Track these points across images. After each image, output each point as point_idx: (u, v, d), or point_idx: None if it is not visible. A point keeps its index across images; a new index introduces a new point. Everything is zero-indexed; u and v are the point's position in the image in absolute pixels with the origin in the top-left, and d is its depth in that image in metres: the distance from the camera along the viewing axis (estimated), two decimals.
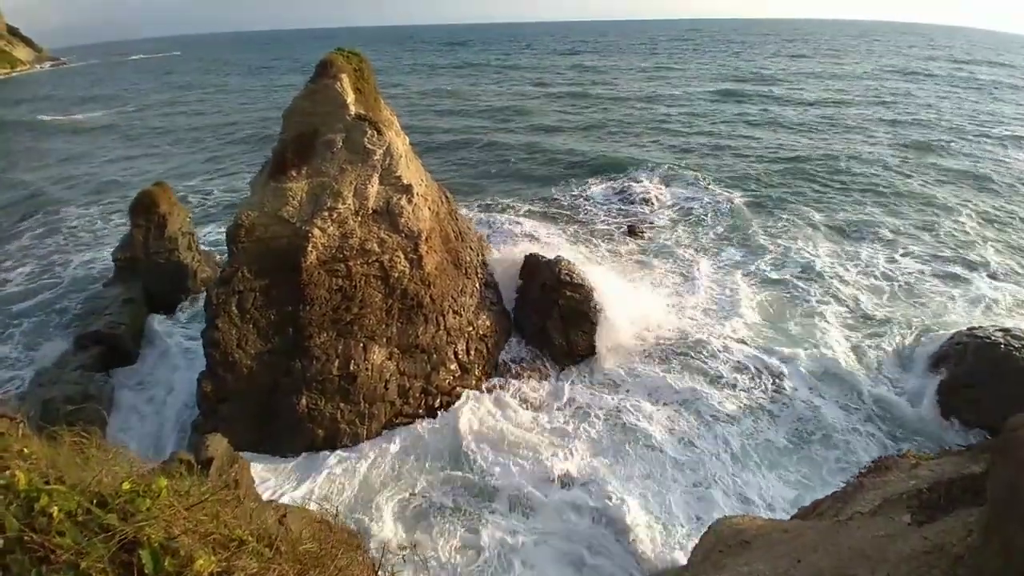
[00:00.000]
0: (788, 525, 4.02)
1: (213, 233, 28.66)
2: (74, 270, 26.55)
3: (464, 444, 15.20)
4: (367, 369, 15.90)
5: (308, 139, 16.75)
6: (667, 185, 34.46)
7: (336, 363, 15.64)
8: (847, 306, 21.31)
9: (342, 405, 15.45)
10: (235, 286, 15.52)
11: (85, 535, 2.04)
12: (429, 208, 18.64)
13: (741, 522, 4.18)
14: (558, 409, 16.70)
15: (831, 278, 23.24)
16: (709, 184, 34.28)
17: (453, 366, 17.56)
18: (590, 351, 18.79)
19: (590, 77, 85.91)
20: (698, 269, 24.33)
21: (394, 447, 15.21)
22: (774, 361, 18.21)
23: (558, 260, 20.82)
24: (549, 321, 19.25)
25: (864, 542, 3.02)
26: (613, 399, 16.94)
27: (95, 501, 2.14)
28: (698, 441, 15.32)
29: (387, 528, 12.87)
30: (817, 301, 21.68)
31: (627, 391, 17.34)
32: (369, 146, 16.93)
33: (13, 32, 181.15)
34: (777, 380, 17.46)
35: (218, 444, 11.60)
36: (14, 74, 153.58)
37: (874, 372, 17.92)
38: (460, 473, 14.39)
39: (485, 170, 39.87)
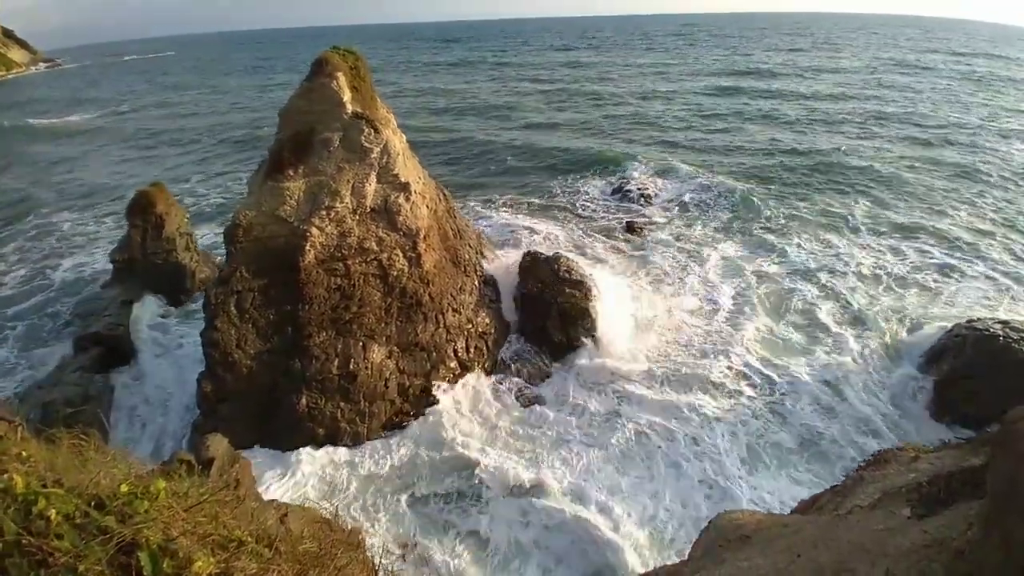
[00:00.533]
0: (788, 520, 4.02)
1: (210, 235, 28.58)
2: (65, 273, 26.47)
3: (457, 442, 15.14)
4: (367, 368, 15.90)
5: (305, 138, 16.70)
6: (665, 181, 34.44)
7: (336, 362, 15.64)
8: (845, 301, 21.31)
9: (342, 404, 15.45)
10: (233, 286, 15.49)
11: (83, 538, 2.03)
12: (427, 206, 18.61)
13: (741, 517, 4.19)
14: (556, 408, 16.64)
15: (830, 273, 23.26)
16: (707, 180, 34.22)
17: (453, 364, 17.57)
18: (590, 349, 18.75)
19: (586, 73, 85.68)
20: (697, 266, 24.32)
21: (392, 444, 15.21)
22: (776, 360, 18.16)
23: (557, 257, 20.81)
24: (548, 319, 19.24)
25: (864, 536, 3.02)
26: (612, 398, 16.90)
27: (93, 504, 2.13)
28: (702, 441, 15.16)
29: (386, 526, 12.87)
30: (816, 297, 21.68)
31: (626, 390, 17.20)
32: (366, 144, 16.89)
33: (8, 35, 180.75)
34: (778, 379, 17.36)
35: (218, 444, 11.61)
36: (9, 76, 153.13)
37: (876, 367, 17.91)
38: (455, 472, 14.33)
39: (482, 168, 39.82)
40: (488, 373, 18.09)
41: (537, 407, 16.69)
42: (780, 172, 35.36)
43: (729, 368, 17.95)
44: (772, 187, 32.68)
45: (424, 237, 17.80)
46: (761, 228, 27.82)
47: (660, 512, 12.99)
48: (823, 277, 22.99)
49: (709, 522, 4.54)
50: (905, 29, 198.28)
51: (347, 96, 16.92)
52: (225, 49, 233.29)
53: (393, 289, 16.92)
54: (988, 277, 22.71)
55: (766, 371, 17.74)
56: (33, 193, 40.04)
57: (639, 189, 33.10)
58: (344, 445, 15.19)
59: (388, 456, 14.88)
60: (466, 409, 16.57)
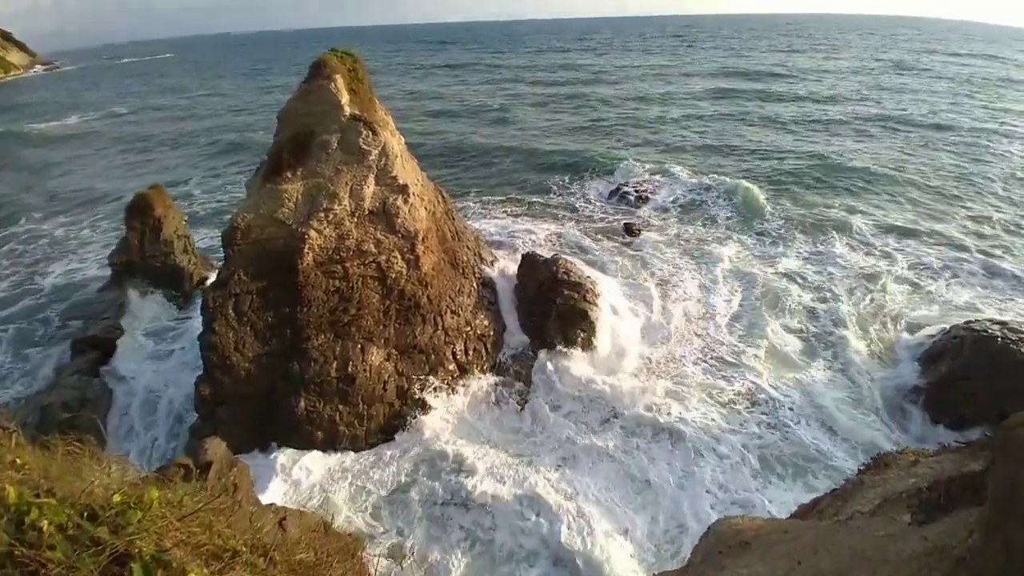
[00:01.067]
0: (788, 525, 4.00)
1: (208, 238, 28.52)
2: (57, 277, 26.37)
3: (453, 447, 15.06)
4: (365, 370, 15.87)
5: (303, 140, 16.70)
6: (662, 183, 34.42)
7: (334, 365, 15.60)
8: (843, 303, 21.27)
9: (340, 407, 15.42)
10: (231, 289, 15.46)
11: (76, 549, 2.01)
12: (425, 208, 18.60)
13: (740, 523, 4.17)
14: (555, 412, 16.45)
15: (828, 275, 23.25)
16: (704, 182, 34.23)
17: (452, 366, 17.53)
18: (590, 352, 18.68)
19: (583, 76, 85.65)
20: (694, 269, 24.29)
21: (389, 448, 15.17)
22: (775, 365, 18.08)
23: (556, 258, 20.80)
24: (547, 320, 19.22)
25: (864, 543, 3.01)
26: (610, 404, 16.66)
27: (86, 514, 2.11)
28: (707, 453, 14.82)
29: (383, 531, 12.82)
30: (814, 299, 21.66)
31: (623, 395, 16.92)
32: (364, 147, 16.88)
33: (6, 37, 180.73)
34: (778, 385, 17.21)
35: (216, 448, 11.58)
36: (8, 78, 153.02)
37: (874, 369, 17.89)
38: (452, 476, 14.23)
39: (479, 170, 39.81)
40: (487, 375, 18.05)
41: (535, 411, 16.62)
42: (778, 174, 35.36)
43: (729, 373, 17.81)
44: (770, 189, 32.65)
45: (422, 239, 17.78)
46: (758, 230, 27.83)
47: (660, 520, 12.84)
48: (821, 279, 22.98)
49: (708, 528, 4.52)
50: (902, 30, 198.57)
51: (345, 98, 16.93)
52: (223, 52, 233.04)
53: (391, 291, 16.89)
54: (984, 278, 22.72)
55: (766, 377, 17.54)
56: (26, 198, 39.75)
57: (637, 191, 33.11)
58: (343, 448, 15.15)
59: (385, 459, 14.83)
60: (464, 412, 16.52)
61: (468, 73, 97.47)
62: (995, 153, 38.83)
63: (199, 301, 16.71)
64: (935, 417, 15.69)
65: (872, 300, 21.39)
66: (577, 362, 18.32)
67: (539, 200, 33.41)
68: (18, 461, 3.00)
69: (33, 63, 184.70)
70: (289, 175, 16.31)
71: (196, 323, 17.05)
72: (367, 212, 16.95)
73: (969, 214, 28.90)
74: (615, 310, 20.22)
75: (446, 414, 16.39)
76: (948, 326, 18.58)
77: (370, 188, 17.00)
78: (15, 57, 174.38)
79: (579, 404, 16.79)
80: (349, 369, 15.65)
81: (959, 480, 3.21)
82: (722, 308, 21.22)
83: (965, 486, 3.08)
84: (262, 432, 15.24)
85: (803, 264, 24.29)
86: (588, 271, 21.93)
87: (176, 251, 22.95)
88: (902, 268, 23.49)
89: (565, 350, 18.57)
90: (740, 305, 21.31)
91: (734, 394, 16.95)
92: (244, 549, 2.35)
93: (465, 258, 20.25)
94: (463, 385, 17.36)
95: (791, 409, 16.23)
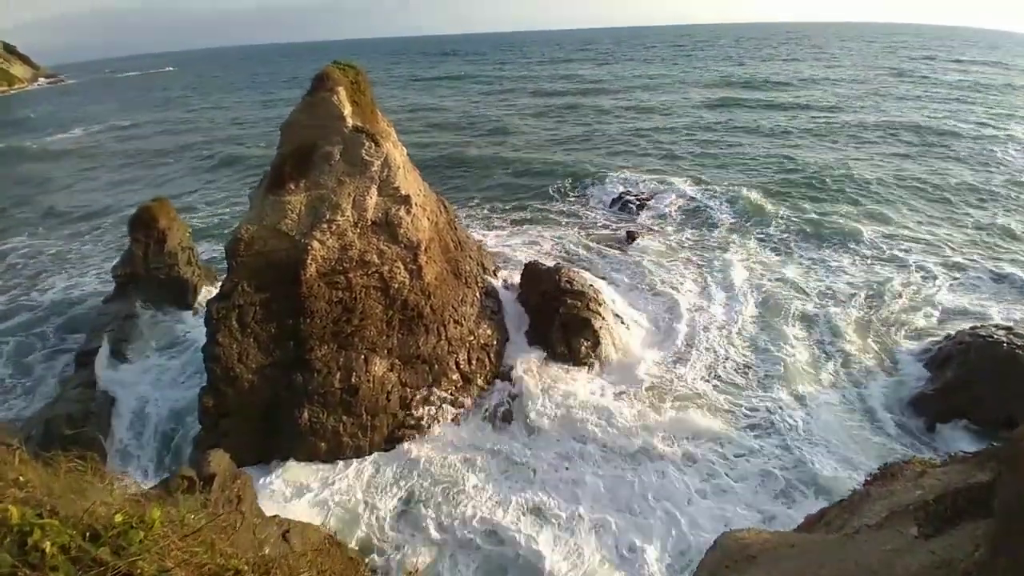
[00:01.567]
0: (795, 539, 3.96)
1: (210, 251, 28.60)
2: (56, 291, 26.41)
3: (452, 460, 15.00)
4: (368, 381, 15.85)
5: (306, 152, 16.79)
6: (664, 192, 34.45)
7: (337, 375, 15.59)
8: (848, 311, 21.21)
9: (344, 417, 15.38)
10: (235, 300, 15.50)
11: (79, 569, 2.01)
12: (428, 218, 18.65)
13: (747, 536, 4.13)
14: (558, 427, 16.20)
15: (831, 283, 23.22)
16: (705, 190, 34.33)
17: (455, 376, 17.50)
18: (593, 362, 18.61)
19: (583, 86, 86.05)
20: (697, 277, 24.23)
21: (394, 459, 15.10)
22: (783, 376, 17.91)
23: (558, 267, 20.81)
24: (551, 329, 19.20)
25: (871, 557, 2.97)
26: (614, 415, 16.32)
27: (87, 535, 2.11)
28: (723, 474, 14.39)
29: (385, 546, 12.73)
30: (818, 307, 21.59)
31: (626, 408, 16.70)
32: (367, 158, 16.97)
33: (10, 50, 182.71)
34: (788, 399, 16.97)
35: (220, 460, 11.54)
36: (12, 91, 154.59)
37: (882, 377, 17.79)
38: (452, 491, 14.13)
39: (481, 180, 39.96)
40: (491, 384, 17.99)
41: (538, 426, 16.37)
42: (779, 182, 35.37)
43: (734, 389, 17.58)
44: (771, 197, 32.66)
45: (425, 249, 17.82)
46: (760, 238, 27.80)
47: (666, 545, 12.50)
48: (824, 286, 22.95)
49: (715, 541, 4.48)
50: (902, 37, 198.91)
51: (348, 110, 17.04)
52: (224, 65, 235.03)
53: (394, 302, 16.91)
54: (989, 284, 22.63)
55: (773, 392, 17.25)
56: (27, 211, 39.95)
57: (638, 199, 33.19)
58: (346, 458, 15.11)
59: (387, 471, 14.74)
60: (467, 423, 16.47)
61: (469, 84, 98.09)
62: (997, 159, 38.79)
63: (203, 313, 16.73)
64: (942, 424, 15.58)
65: (877, 307, 21.30)
66: (581, 374, 18.18)
67: (541, 209, 33.49)
68: (21, 479, 3.01)
69: (36, 76, 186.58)
70: (292, 187, 16.39)
71: (200, 335, 17.06)
72: (370, 223, 17.01)
73: (972, 220, 28.84)
74: (619, 319, 20.19)
75: (449, 425, 16.34)
76: (954, 332, 18.53)
77: (373, 199, 17.07)
78: (19, 70, 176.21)
79: (582, 417, 16.44)
80: (352, 380, 15.64)
81: (966, 492, 3.18)
82: (724, 316, 21.14)
83: (972, 498, 3.05)
84: (266, 443, 15.21)
85: (806, 272, 24.23)
86: (591, 280, 21.92)
87: (180, 263, 23.02)
88: (906, 275, 23.40)
89: (569, 357, 18.52)
90: (743, 314, 21.20)
91: (740, 411, 16.57)
92: (246, 568, 2.34)
93: (468, 268, 20.28)
94: (466, 395, 17.32)
95: (798, 425, 15.82)
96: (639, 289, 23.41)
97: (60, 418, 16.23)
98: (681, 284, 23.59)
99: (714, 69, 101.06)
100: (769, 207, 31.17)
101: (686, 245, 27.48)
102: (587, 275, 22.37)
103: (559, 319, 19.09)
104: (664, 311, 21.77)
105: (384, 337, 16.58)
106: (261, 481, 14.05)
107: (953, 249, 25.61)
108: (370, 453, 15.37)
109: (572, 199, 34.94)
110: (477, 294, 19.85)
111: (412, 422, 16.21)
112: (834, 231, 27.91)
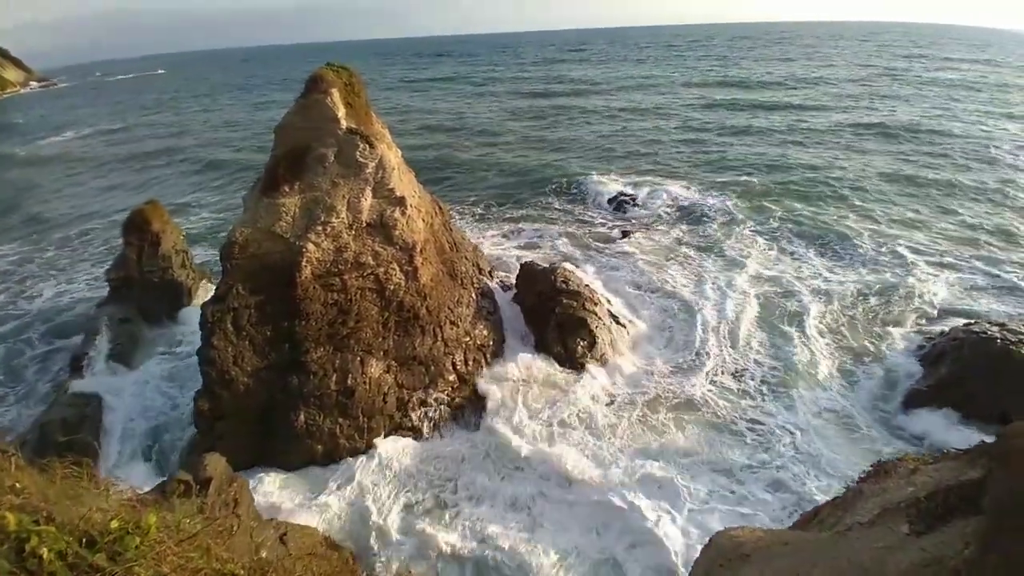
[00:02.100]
0: (788, 537, 3.99)
1: (204, 255, 28.46)
2: (47, 296, 26.20)
3: (445, 464, 14.90)
4: (365, 383, 15.83)
5: (300, 154, 16.77)
6: (658, 192, 34.54)
7: (333, 378, 15.57)
8: (842, 310, 21.32)
9: (340, 420, 15.37)
10: (230, 303, 15.45)
11: (75, 575, 2.02)
12: (423, 220, 18.65)
13: (740, 534, 4.16)
14: (556, 430, 16.07)
15: (825, 282, 23.32)
16: (699, 190, 34.48)
17: (451, 377, 17.50)
18: (587, 363, 18.59)
19: (576, 87, 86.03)
20: (693, 277, 24.29)
21: (390, 461, 15.05)
22: (781, 378, 17.89)
23: (554, 267, 20.87)
24: (547, 329, 19.23)
25: (863, 555, 3.00)
26: (603, 429, 16.06)
27: (84, 541, 2.12)
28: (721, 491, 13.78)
29: (379, 550, 12.71)
30: (809, 302, 21.70)
31: (619, 417, 16.49)
32: (361, 159, 16.95)
33: (2, 54, 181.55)
34: (782, 403, 16.92)
35: (216, 463, 11.52)
36: (4, 95, 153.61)
37: (877, 375, 17.89)
38: (447, 495, 14.08)
39: (475, 182, 39.93)
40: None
41: (535, 430, 16.26)
42: (772, 182, 35.51)
43: (730, 393, 17.45)
44: (764, 197, 32.81)
45: (420, 250, 17.81)
46: (754, 238, 27.86)
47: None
48: (818, 283, 23.07)
49: (709, 540, 4.50)
50: (892, 36, 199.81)
51: (342, 112, 17.02)
52: (216, 67, 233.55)
53: (390, 303, 16.90)
54: (983, 281, 22.79)
55: (769, 396, 17.16)
56: (16, 217, 39.37)
57: (632, 200, 33.32)
58: (341, 461, 15.09)
59: (384, 474, 14.72)
60: (460, 424, 16.48)
61: (462, 85, 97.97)
62: (990, 157, 39.06)
63: (197, 316, 16.67)
64: (936, 420, 15.69)
65: (871, 305, 21.43)
66: (578, 378, 18.10)
67: (536, 210, 33.54)
68: (18, 485, 3.01)
69: (28, 80, 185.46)
70: (286, 189, 16.36)
71: (194, 338, 17.00)
72: (365, 224, 16.99)
73: (966, 219, 29.03)
74: (615, 319, 20.23)
75: (446, 426, 16.34)
76: (948, 328, 18.69)
77: (367, 201, 17.05)
78: (11, 74, 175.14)
79: (578, 424, 16.27)
80: (348, 382, 15.63)
81: (957, 489, 3.21)
82: (718, 316, 21.14)
83: (963, 496, 3.08)
84: (262, 446, 15.18)
85: (800, 270, 24.34)
86: (587, 279, 21.98)
87: (174, 266, 22.93)
88: (900, 273, 23.54)
89: (566, 358, 18.52)
90: (737, 313, 21.25)
91: (735, 418, 16.30)
92: (242, 572, 2.35)
93: (463, 269, 20.29)
94: (462, 395, 17.31)
95: (796, 437, 15.46)
96: (634, 288, 23.45)
97: (55, 423, 16.14)
98: (675, 283, 23.65)
99: (706, 69, 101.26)
100: (762, 207, 31.31)
101: (680, 244, 27.56)
102: (583, 274, 22.44)
103: (555, 319, 19.12)
104: (659, 310, 21.82)
105: (380, 339, 16.57)
106: (257, 484, 14.01)
107: (946, 247, 25.79)
108: (367, 455, 15.34)
109: (566, 199, 34.98)
110: (473, 295, 19.86)
111: (409, 424, 16.21)
112: (827, 230, 28.04)
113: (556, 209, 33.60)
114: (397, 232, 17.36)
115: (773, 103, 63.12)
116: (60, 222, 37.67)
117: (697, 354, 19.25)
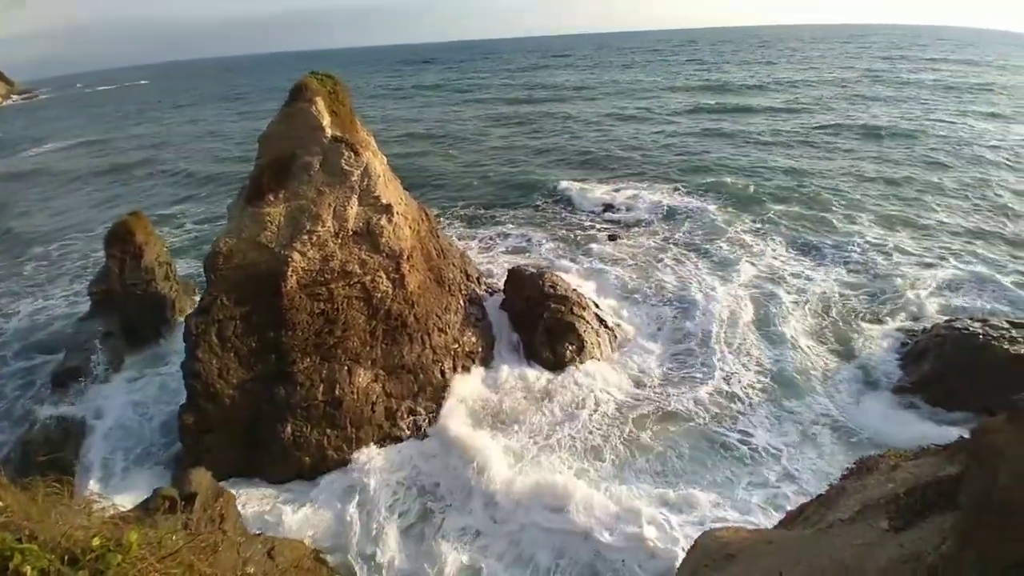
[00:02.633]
0: (772, 536, 4.04)
1: (184, 267, 28.03)
2: (26, 313, 25.56)
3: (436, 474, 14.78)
4: (352, 393, 15.74)
5: (285, 163, 16.68)
6: (643, 196, 34.74)
7: (321, 388, 15.46)
8: (823, 311, 21.58)
9: (328, 431, 15.25)
10: (214, 315, 15.31)
11: None
12: (410, 227, 18.63)
13: (725, 534, 4.20)
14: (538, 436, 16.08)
15: (806, 281, 23.61)
16: (683, 193, 34.79)
17: (441, 385, 17.44)
18: (573, 370, 18.54)
19: (561, 93, 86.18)
20: (679, 281, 24.37)
21: (378, 472, 14.93)
22: (768, 383, 17.97)
23: (542, 272, 20.92)
24: (535, 335, 19.26)
25: (844, 552, 3.05)
26: (605, 433, 16.04)
27: (66, 558, 2.10)
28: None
29: (372, 558, 12.62)
30: (793, 304, 21.92)
31: (615, 422, 16.44)
32: (347, 167, 16.91)
33: None
34: (771, 403, 17.01)
35: (201, 478, 11.39)
36: None
37: (859, 374, 18.10)
38: (433, 504, 14.01)
39: (460, 188, 39.80)
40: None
41: (521, 437, 16.19)
42: (755, 185, 35.80)
43: (715, 394, 17.46)
44: (748, 201, 33.06)
45: (407, 258, 17.79)
46: (738, 240, 28.03)
47: None
48: (800, 283, 23.35)
49: (695, 541, 4.54)
50: (874, 38, 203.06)
51: (326, 120, 16.97)
52: (199, 77, 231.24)
53: (378, 311, 16.84)
54: (962, 279, 23.13)
55: (757, 404, 17.07)
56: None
57: (618, 204, 33.54)
58: (329, 472, 14.96)
59: (370, 485, 14.57)
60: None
61: (447, 92, 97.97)
62: (968, 157, 39.80)
63: (182, 328, 16.49)
64: (919, 416, 15.92)
65: (854, 305, 21.70)
66: (563, 382, 18.14)
67: (523, 215, 33.62)
68: (0, 503, 2.97)
69: (10, 92, 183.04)
70: (271, 198, 16.26)
71: (179, 350, 16.79)
72: (351, 233, 16.94)
73: (946, 218, 29.50)
74: (603, 323, 20.30)
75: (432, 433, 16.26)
76: (930, 325, 18.99)
77: (353, 209, 17.01)
78: None
79: (566, 431, 16.13)
80: (336, 392, 15.52)
81: (935, 485, 3.28)
82: (704, 320, 21.18)
83: (942, 491, 3.14)
84: (249, 459, 15.01)
85: (785, 272, 24.55)
86: (575, 283, 22.05)
87: (158, 278, 22.64)
88: (882, 272, 23.86)
89: (555, 363, 18.53)
90: (725, 316, 21.30)
91: (722, 430, 16.02)
92: None
93: (451, 275, 20.27)
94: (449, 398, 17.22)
95: (782, 453, 15.16)
96: (622, 292, 23.57)
97: (37, 441, 15.87)
98: (662, 286, 23.80)
99: (691, 74, 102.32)
100: (746, 209, 31.63)
101: (666, 248, 27.73)
102: (570, 279, 22.50)
103: (543, 324, 19.16)
104: (647, 314, 21.94)
105: (368, 348, 16.49)
106: (244, 497, 13.85)
107: (928, 245, 26.21)
108: (355, 466, 15.22)
109: (552, 204, 35.08)
110: (461, 301, 19.85)
111: (398, 433, 16.12)
112: (811, 231, 28.40)
113: (543, 214, 33.68)
114: (384, 240, 17.33)
115: (755, 106, 63.87)
116: (39, 236, 36.92)
117: (686, 358, 19.33)
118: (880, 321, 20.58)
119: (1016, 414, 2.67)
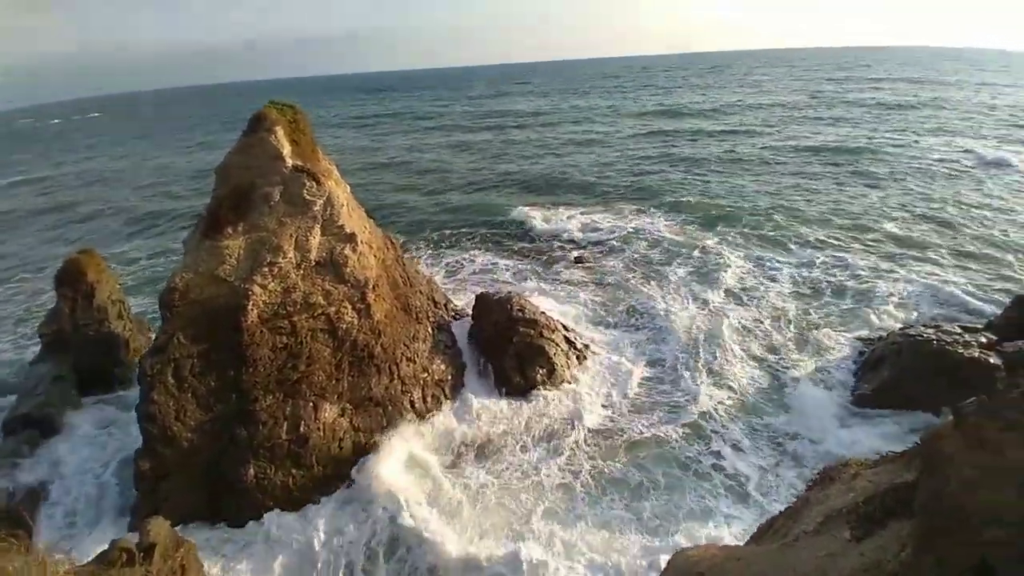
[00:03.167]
0: (741, 552, 4.05)
1: (137, 306, 26.93)
2: None
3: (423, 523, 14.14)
4: (318, 429, 15.27)
5: (243, 193, 16.34)
6: (605, 220, 35.39)
7: (284, 426, 14.94)
8: (784, 324, 22.18)
9: (294, 470, 14.71)
10: (170, 353, 14.71)
11: None
12: (375, 255, 18.43)
13: (695, 554, 4.19)
14: (516, 463, 15.92)
15: (765, 296, 24.29)
16: (645, 218, 35.51)
17: (410, 416, 17.10)
18: (550, 393, 18.52)
19: (521, 120, 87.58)
20: (639, 302, 24.68)
21: (349, 508, 14.46)
22: (732, 397, 18.29)
23: (509, 297, 20.91)
24: (505, 359, 19.15)
25: (808, 564, 3.07)
26: (576, 443, 16.27)
27: None
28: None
29: None
30: (753, 323, 22.45)
31: (585, 440, 16.56)
32: (308, 197, 16.68)
33: None
34: (734, 426, 17.12)
35: (159, 528, 10.75)
36: None
37: (818, 382, 18.58)
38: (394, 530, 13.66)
39: (424, 216, 39.71)
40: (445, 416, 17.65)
41: (494, 464, 16.04)
42: (710, 206, 36.84)
43: (684, 416, 17.53)
44: (707, 223, 33.89)
45: (373, 287, 17.55)
46: (698, 262, 28.38)
47: None
48: (758, 297, 24.08)
49: (668, 562, 4.51)
50: (818, 60, 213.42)
51: (287, 149, 16.77)
52: (152, 108, 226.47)
53: (343, 343, 16.50)
54: (911, 290, 24.08)
55: (718, 418, 17.36)
56: None
57: (583, 228, 34.06)
58: (296, 512, 14.39)
59: (338, 524, 14.07)
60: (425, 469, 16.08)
61: (408, 121, 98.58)
62: (919, 171, 41.90)
63: (137, 370, 15.79)
64: (880, 423, 16.35)
65: (811, 318, 22.36)
66: (535, 405, 18.06)
67: (488, 241, 33.72)
68: None
69: None
70: (230, 230, 15.87)
71: (134, 393, 16.06)
72: (314, 263, 16.64)
73: (898, 231, 30.71)
74: (571, 345, 20.35)
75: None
76: (886, 333, 19.70)
77: (316, 239, 16.75)
78: None
79: (540, 454, 16.20)
80: (301, 429, 15.03)
81: (893, 492, 3.34)
82: (672, 339, 21.45)
83: (899, 498, 3.20)
84: (211, 504, 14.34)
85: (743, 288, 25.18)
86: (543, 306, 22.10)
87: (111, 317, 21.73)
88: (836, 285, 24.72)
89: (525, 387, 18.44)
90: (691, 335, 21.57)
91: (700, 451, 16.14)
92: None
93: (418, 303, 20.08)
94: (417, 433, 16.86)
95: (752, 478, 15.13)
96: (590, 314, 23.76)
97: None
98: (629, 306, 24.14)
99: (647, 100, 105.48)
100: (705, 230, 32.49)
101: (632, 268, 28.17)
102: (539, 302, 22.57)
103: (513, 348, 19.10)
104: (615, 334, 22.15)
105: (334, 381, 16.09)
106: (206, 545, 13.17)
107: (881, 256, 27.33)
108: (321, 505, 14.69)
109: (517, 229, 35.30)
110: (429, 329, 19.64)
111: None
112: (768, 249, 29.32)
113: (508, 239, 33.83)
114: (348, 269, 17.08)
115: (710, 131, 66.11)
116: None
117: (655, 379, 19.47)
118: (837, 332, 21.22)
119: (963, 420, 2.75)
